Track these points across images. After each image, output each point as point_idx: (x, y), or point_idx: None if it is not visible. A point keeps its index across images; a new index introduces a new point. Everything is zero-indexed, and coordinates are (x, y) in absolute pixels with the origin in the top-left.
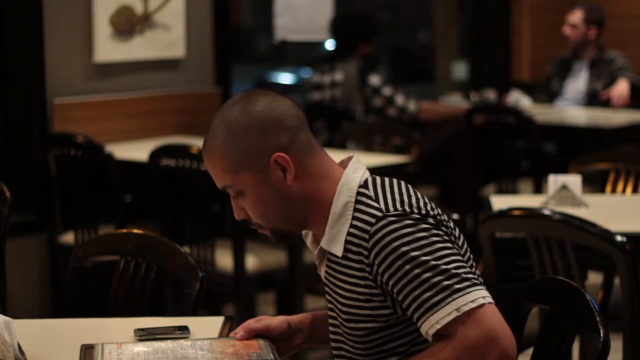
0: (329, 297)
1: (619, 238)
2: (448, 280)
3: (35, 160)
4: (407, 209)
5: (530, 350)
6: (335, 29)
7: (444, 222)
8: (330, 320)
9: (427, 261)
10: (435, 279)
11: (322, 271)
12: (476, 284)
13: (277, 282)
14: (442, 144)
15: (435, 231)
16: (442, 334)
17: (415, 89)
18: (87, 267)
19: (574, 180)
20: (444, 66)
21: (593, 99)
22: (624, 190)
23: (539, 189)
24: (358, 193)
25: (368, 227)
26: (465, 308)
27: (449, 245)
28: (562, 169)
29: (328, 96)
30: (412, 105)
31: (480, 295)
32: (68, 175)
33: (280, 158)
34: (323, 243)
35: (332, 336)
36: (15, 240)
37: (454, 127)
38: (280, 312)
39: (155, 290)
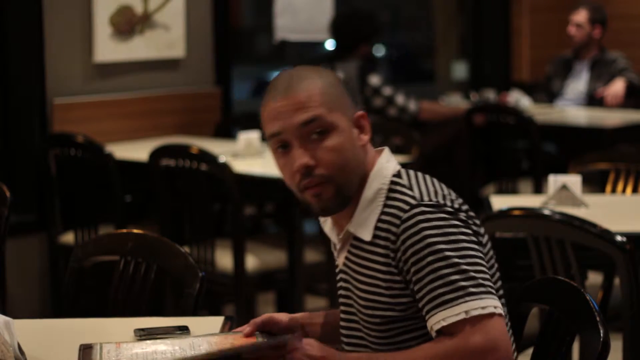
0: (345, 285)
1: (619, 238)
2: (465, 281)
3: (35, 160)
4: (442, 201)
5: (530, 350)
6: (335, 29)
7: (474, 222)
8: (343, 309)
9: (450, 257)
10: (453, 277)
11: (342, 257)
12: (490, 292)
13: (277, 282)
14: (442, 144)
15: (464, 229)
16: (446, 332)
17: (415, 89)
18: (87, 267)
19: (574, 180)
20: (444, 66)
21: (594, 100)
22: (624, 190)
23: (539, 189)
24: (392, 182)
25: (400, 214)
26: (475, 312)
27: (474, 246)
28: (562, 169)
29: None
30: (412, 105)
31: (492, 304)
32: (68, 175)
33: (364, 117)
34: (351, 227)
35: (344, 324)
36: (15, 240)
37: (454, 127)
38: (280, 312)
39: (155, 290)
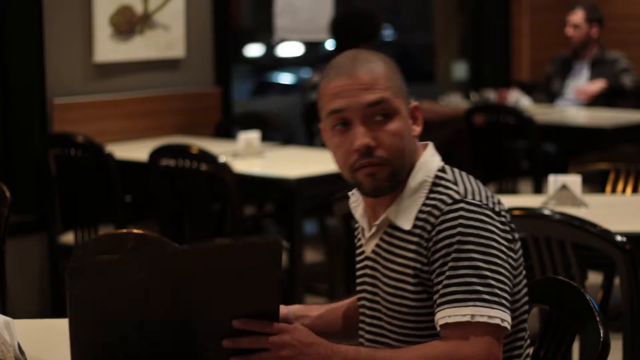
0: (371, 272)
1: (619, 238)
2: (482, 286)
3: (35, 160)
4: (484, 202)
5: (530, 350)
6: (335, 29)
7: (510, 227)
8: (367, 297)
9: (475, 259)
10: (471, 279)
11: (372, 244)
12: (504, 305)
13: None
14: (442, 144)
15: (498, 235)
16: (448, 330)
17: (415, 89)
18: None
19: (574, 180)
20: (444, 66)
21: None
22: (624, 190)
23: (539, 189)
24: (436, 175)
25: (442, 206)
26: (480, 319)
27: (503, 255)
28: (562, 169)
29: None
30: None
31: (500, 317)
32: (68, 175)
33: (417, 109)
34: (390, 214)
35: (366, 313)
36: (15, 240)
37: (454, 127)
38: None
39: None
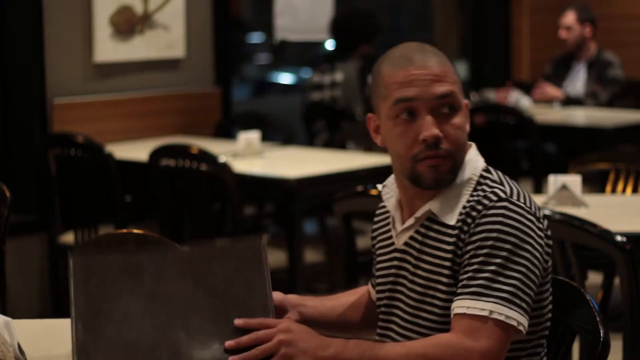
0: (399, 264)
1: (619, 238)
2: (506, 286)
3: (36, 160)
4: (527, 206)
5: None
6: (336, 29)
7: (546, 234)
8: (388, 288)
9: (506, 259)
10: (497, 277)
11: (404, 236)
12: (523, 309)
13: (277, 282)
14: None
15: (534, 240)
16: (462, 319)
17: None
18: None
19: (574, 180)
20: None
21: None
22: (624, 190)
23: (539, 189)
24: (481, 175)
25: (486, 201)
26: (497, 317)
27: (535, 261)
28: (562, 169)
29: (328, 96)
30: None
31: (517, 319)
32: (68, 175)
33: (467, 107)
34: (434, 208)
35: (385, 304)
36: (15, 240)
37: None
38: None
39: None
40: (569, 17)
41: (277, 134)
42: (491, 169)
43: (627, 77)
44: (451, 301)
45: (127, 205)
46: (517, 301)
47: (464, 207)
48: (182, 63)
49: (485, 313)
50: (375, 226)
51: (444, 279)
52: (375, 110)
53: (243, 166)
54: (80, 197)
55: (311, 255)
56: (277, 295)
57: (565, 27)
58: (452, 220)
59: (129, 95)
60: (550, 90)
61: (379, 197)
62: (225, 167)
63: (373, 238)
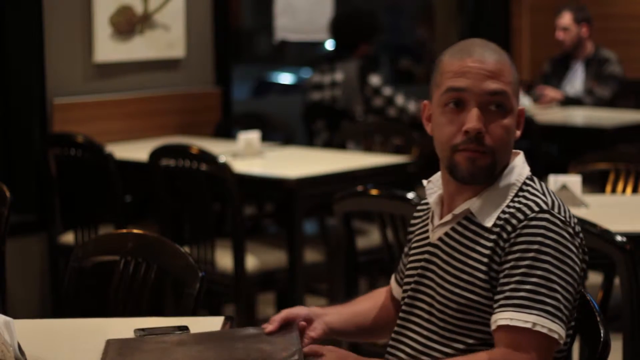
0: (430, 257)
1: (619, 238)
2: (549, 299)
3: (36, 160)
4: (568, 220)
5: None
6: (335, 29)
7: (583, 249)
8: (414, 280)
9: (549, 271)
10: (541, 290)
11: (439, 232)
12: (564, 322)
13: (277, 282)
14: None
15: (574, 255)
16: (506, 332)
17: (414, 89)
18: (87, 267)
19: (574, 180)
20: None
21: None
22: (624, 190)
23: None
24: (525, 182)
25: (528, 211)
26: (540, 329)
27: (575, 275)
28: (562, 169)
29: (328, 96)
30: (412, 106)
31: (559, 332)
32: (68, 175)
33: (522, 112)
34: (473, 207)
35: (408, 301)
36: (15, 240)
37: None
38: (280, 312)
39: (155, 290)
40: (565, 18)
41: (277, 134)
42: (535, 178)
43: (627, 77)
44: (483, 303)
45: (127, 205)
46: (559, 314)
47: (504, 212)
48: (182, 63)
49: (529, 325)
50: (414, 221)
51: (478, 281)
52: (431, 98)
53: (243, 166)
54: (80, 197)
55: (311, 256)
56: (301, 310)
57: (562, 28)
58: (489, 222)
59: (129, 95)
60: (551, 93)
61: (379, 198)
62: (225, 167)
63: (410, 232)
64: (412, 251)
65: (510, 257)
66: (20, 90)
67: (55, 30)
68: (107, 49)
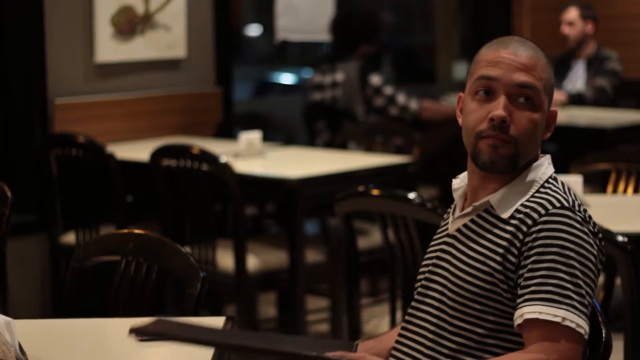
0: (447, 248)
1: (620, 238)
2: (575, 294)
3: (37, 161)
4: (588, 219)
5: None
6: (336, 29)
7: (603, 250)
8: (433, 269)
9: (574, 266)
10: (567, 285)
11: (458, 223)
12: (588, 318)
13: (278, 282)
14: (443, 144)
15: (595, 252)
16: (534, 325)
17: (416, 89)
18: (88, 267)
19: (575, 181)
20: (445, 66)
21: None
22: (625, 191)
23: None
24: (547, 181)
25: (548, 206)
26: (569, 324)
27: (596, 271)
28: (563, 169)
29: (329, 96)
30: (413, 104)
31: (585, 327)
32: (69, 175)
33: (554, 114)
34: (493, 201)
35: (428, 285)
36: (16, 240)
37: (455, 126)
38: (281, 312)
39: (157, 291)
40: (572, 13)
41: (278, 134)
42: (558, 179)
43: (628, 77)
44: (495, 292)
45: (128, 206)
46: (585, 310)
47: (523, 206)
48: (183, 63)
49: (558, 319)
50: (438, 230)
51: (492, 271)
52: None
53: (244, 166)
54: (81, 197)
55: (312, 256)
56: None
57: (567, 22)
58: (506, 214)
59: (130, 95)
60: (556, 94)
61: (380, 198)
62: (226, 167)
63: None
64: (432, 242)
65: (532, 251)
66: (21, 90)
67: (56, 31)
68: (108, 49)
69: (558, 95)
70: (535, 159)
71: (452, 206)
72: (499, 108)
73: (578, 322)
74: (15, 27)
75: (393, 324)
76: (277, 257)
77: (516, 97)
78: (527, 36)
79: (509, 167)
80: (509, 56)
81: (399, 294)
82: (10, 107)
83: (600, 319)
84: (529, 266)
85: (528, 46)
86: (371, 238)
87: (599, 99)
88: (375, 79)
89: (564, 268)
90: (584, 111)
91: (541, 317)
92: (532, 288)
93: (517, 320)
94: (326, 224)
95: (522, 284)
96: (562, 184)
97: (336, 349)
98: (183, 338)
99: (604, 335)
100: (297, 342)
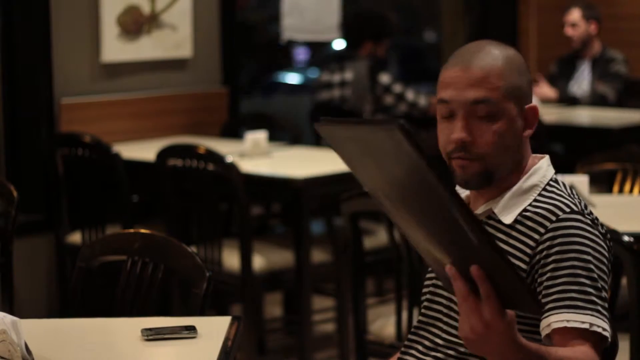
0: None
1: (626, 238)
2: (597, 298)
3: (43, 160)
4: (596, 221)
5: None
6: (345, 29)
7: (611, 249)
8: (431, 275)
9: (592, 270)
10: (589, 289)
11: None
12: (609, 320)
13: (284, 282)
14: None
15: (607, 254)
16: (564, 333)
17: (423, 88)
18: (94, 266)
19: (581, 180)
20: None
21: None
22: (631, 190)
23: None
24: (549, 184)
25: (558, 212)
26: (596, 329)
27: (608, 273)
28: (570, 169)
29: (337, 95)
30: (422, 100)
31: (609, 332)
32: (75, 175)
33: (533, 110)
34: (496, 208)
35: (429, 297)
36: (22, 240)
37: None
38: (287, 312)
39: (162, 290)
40: (574, 14)
41: (284, 133)
42: (560, 180)
43: (633, 77)
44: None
45: (134, 205)
46: (605, 312)
47: (526, 210)
48: (190, 63)
49: (586, 326)
50: None
51: None
52: None
53: (250, 166)
54: (87, 196)
55: (318, 255)
56: None
57: (570, 24)
58: (509, 220)
59: (136, 95)
60: (544, 89)
61: None
62: (232, 167)
63: None
64: None
65: (550, 258)
66: (27, 90)
67: (62, 30)
68: (115, 48)
69: (547, 91)
70: (523, 163)
71: None
72: (457, 130)
73: (604, 326)
74: (21, 27)
75: (399, 323)
76: (283, 257)
77: (474, 113)
78: (534, 36)
79: (483, 183)
80: (459, 74)
81: (404, 294)
82: (17, 107)
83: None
84: (548, 274)
85: (485, 54)
86: (377, 238)
87: (597, 105)
88: (384, 78)
89: (584, 273)
90: (590, 111)
91: (569, 325)
92: (555, 296)
93: (545, 330)
94: (332, 224)
95: (544, 292)
96: (565, 185)
97: None
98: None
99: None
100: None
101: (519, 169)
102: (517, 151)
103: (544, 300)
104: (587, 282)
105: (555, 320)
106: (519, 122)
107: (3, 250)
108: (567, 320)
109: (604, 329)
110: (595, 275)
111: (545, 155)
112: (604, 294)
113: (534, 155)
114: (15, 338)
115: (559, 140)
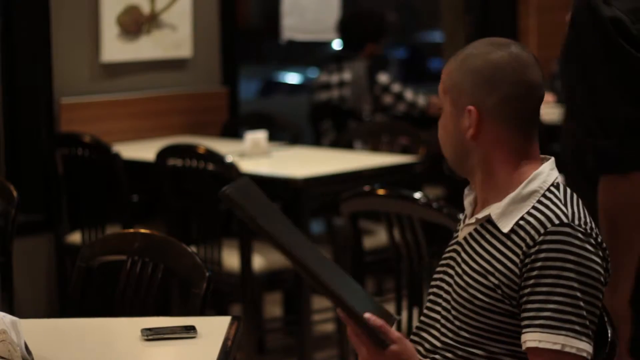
0: (456, 256)
1: None
2: (575, 317)
3: (43, 160)
4: (589, 232)
5: None
6: (343, 29)
7: (607, 258)
8: (443, 277)
9: (574, 288)
10: (567, 308)
11: (466, 231)
12: (590, 337)
13: (283, 282)
14: None
15: (598, 267)
16: (536, 354)
17: (423, 87)
18: (93, 266)
19: None
20: None
21: None
22: None
23: None
24: (549, 190)
25: (548, 224)
26: (569, 350)
27: (599, 286)
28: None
29: (336, 95)
30: (421, 100)
31: (587, 350)
32: (75, 175)
33: (471, 112)
34: (494, 214)
35: (438, 292)
36: (22, 240)
37: None
38: (287, 312)
39: (162, 290)
40: None
41: (284, 133)
42: (561, 186)
43: None
44: (497, 306)
45: (134, 205)
46: (586, 331)
47: (522, 219)
48: (189, 63)
49: (558, 347)
50: (458, 224)
51: (487, 282)
52: None
53: (250, 166)
54: (87, 196)
55: None
56: None
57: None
58: (506, 228)
59: (136, 95)
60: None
61: (385, 197)
62: (232, 167)
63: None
64: (445, 252)
65: (532, 273)
66: (27, 89)
67: (62, 30)
68: (114, 48)
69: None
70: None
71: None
72: None
73: (579, 346)
74: (21, 27)
75: (399, 323)
76: (282, 257)
77: None
78: (534, 36)
79: (457, 173)
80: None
81: (404, 294)
82: (17, 106)
83: (605, 319)
84: (529, 289)
85: (460, 54)
86: (377, 238)
87: None
88: (383, 78)
89: (563, 291)
90: None
91: (541, 345)
92: (532, 313)
93: (523, 347)
94: (332, 224)
95: (524, 307)
96: (564, 191)
97: (377, 312)
98: (255, 222)
99: (609, 335)
100: (348, 284)
101: (523, 176)
102: (462, 148)
103: (523, 315)
104: (566, 300)
105: (529, 339)
106: (455, 119)
107: (3, 250)
108: (539, 341)
109: (579, 349)
110: (577, 293)
111: (550, 157)
112: (585, 310)
113: (542, 156)
114: (15, 338)
115: (558, 140)
